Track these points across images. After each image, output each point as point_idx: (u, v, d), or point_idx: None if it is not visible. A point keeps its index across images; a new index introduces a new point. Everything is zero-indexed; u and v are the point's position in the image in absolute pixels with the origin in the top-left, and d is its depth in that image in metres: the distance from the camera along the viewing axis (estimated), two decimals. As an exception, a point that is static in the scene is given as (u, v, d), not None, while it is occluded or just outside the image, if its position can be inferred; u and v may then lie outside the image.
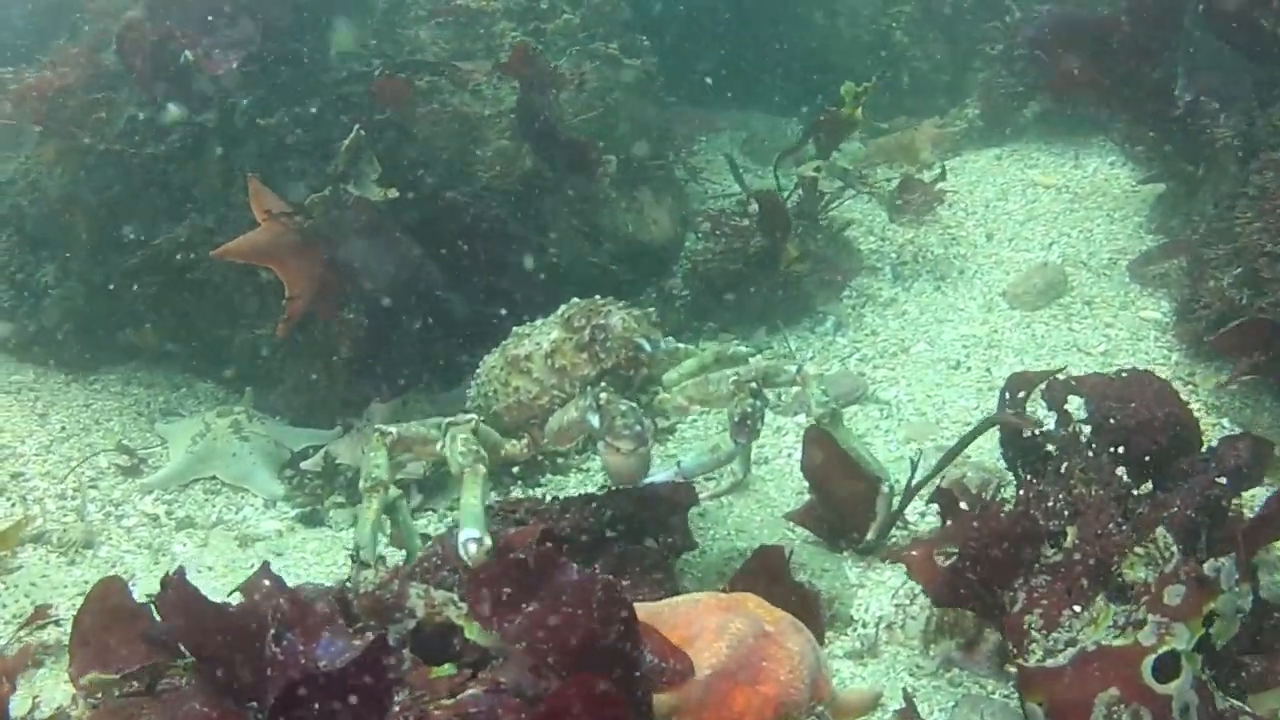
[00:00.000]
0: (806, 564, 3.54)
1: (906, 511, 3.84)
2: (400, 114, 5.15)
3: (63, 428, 4.96)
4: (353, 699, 2.11)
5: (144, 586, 3.31)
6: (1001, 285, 5.28)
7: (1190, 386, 4.46)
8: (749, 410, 3.40)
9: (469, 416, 3.41)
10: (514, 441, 3.56)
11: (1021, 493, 3.13)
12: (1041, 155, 6.32)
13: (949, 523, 3.29)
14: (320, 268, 4.94)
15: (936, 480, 3.75)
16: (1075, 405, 3.24)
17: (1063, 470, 3.14)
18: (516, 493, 4.45)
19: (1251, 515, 2.96)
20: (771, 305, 5.60)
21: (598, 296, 3.65)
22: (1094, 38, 5.49)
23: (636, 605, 2.64)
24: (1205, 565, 2.59)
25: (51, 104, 5.22)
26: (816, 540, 3.79)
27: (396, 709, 2.11)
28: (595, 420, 3.24)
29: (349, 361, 5.23)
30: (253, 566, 4.04)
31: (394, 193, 4.92)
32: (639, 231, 6.06)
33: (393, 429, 3.51)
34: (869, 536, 3.74)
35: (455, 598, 2.38)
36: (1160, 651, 2.60)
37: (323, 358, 5.26)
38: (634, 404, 3.29)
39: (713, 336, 5.61)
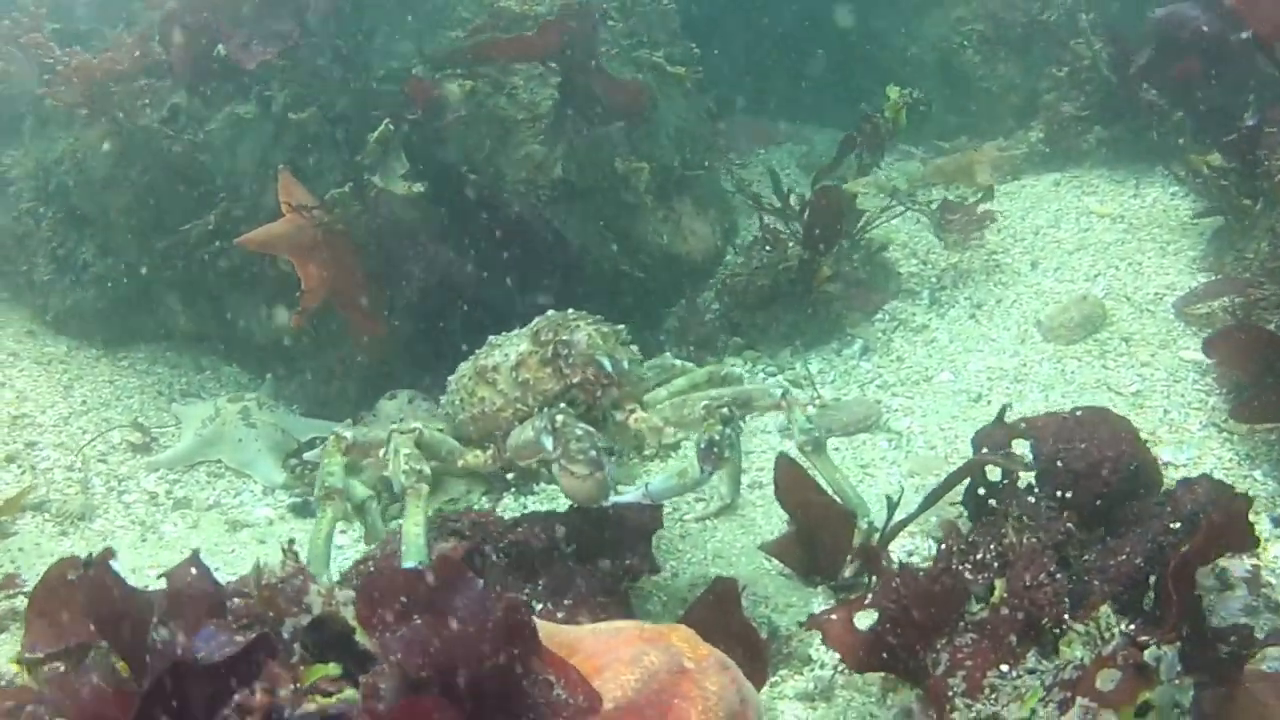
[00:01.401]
0: (771, 597, 3.42)
1: (892, 552, 3.67)
2: (430, 114, 5.14)
3: (84, 401, 5.06)
4: (223, 693, 2.08)
5: (125, 562, 3.36)
6: (1038, 316, 5.05)
7: (1225, 434, 4.20)
8: (716, 438, 3.29)
9: (414, 425, 3.34)
10: (477, 452, 3.49)
11: (944, 547, 2.93)
12: (1102, 182, 6.05)
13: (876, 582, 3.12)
14: (338, 262, 4.97)
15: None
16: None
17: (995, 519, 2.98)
18: (507, 500, 4.39)
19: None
20: (800, 325, 5.46)
21: (570, 311, 3.57)
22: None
23: (556, 629, 2.56)
24: (1146, 652, 2.38)
25: (99, 88, 5.34)
26: (790, 574, 3.64)
27: (257, 698, 2.06)
28: (549, 443, 3.16)
29: (368, 355, 5.28)
30: (234, 552, 4.10)
31: (419, 187, 4.94)
32: (674, 243, 5.96)
33: (348, 433, 3.48)
34: (845, 574, 3.60)
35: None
36: (1082, 743, 2.43)
37: (342, 351, 5.31)
38: (589, 429, 3.19)
39: (738, 354, 5.49)
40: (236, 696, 2.02)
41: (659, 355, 4.03)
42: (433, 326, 5.20)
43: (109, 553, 2.45)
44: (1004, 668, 2.55)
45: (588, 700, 2.33)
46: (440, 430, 3.48)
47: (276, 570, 2.34)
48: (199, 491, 4.59)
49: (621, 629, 2.68)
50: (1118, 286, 5.12)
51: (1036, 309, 5.12)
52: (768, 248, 5.55)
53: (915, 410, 4.67)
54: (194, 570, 2.50)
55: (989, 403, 4.56)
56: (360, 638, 2.21)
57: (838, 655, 3.20)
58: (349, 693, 2.13)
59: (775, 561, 3.70)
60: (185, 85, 5.27)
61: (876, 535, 3.58)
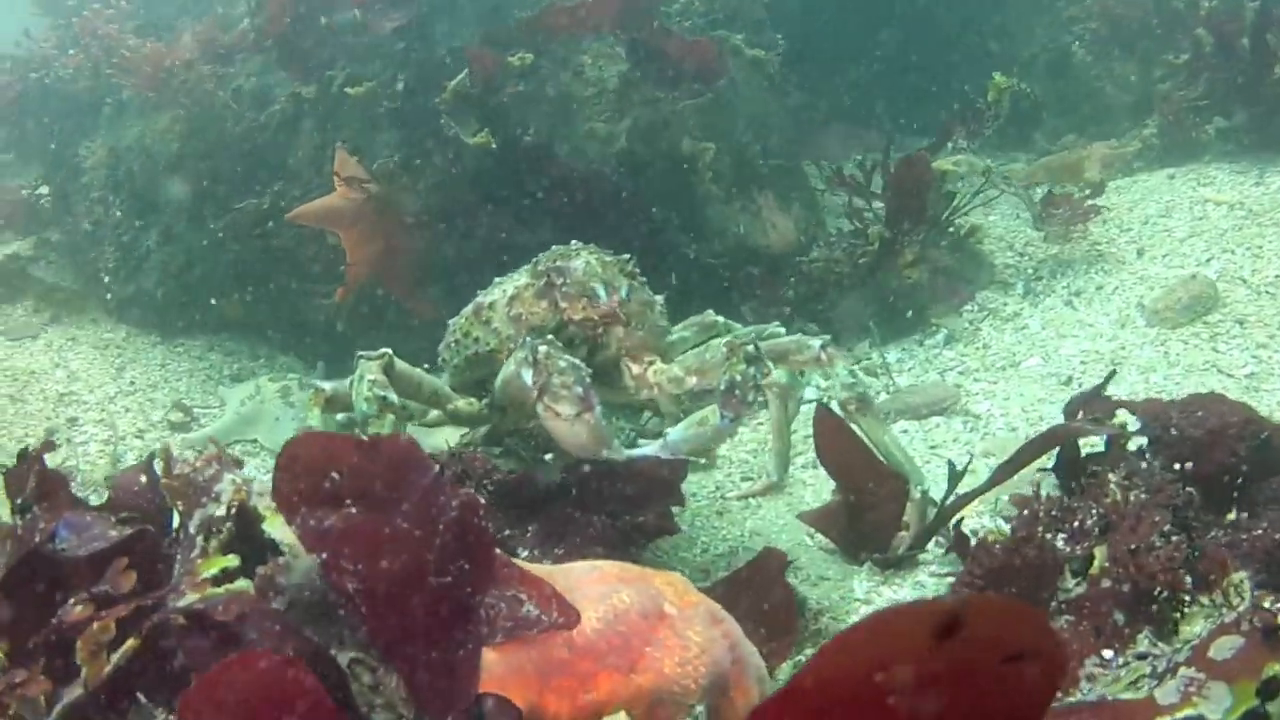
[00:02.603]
0: (804, 569, 3.00)
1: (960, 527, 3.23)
2: (490, 87, 4.95)
3: (132, 382, 4.97)
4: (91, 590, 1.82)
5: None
6: (1141, 301, 4.55)
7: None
8: (738, 378, 2.82)
9: (383, 351, 2.98)
10: (471, 400, 3.15)
11: (1025, 511, 2.46)
12: (1220, 173, 5.52)
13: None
14: (386, 237, 4.79)
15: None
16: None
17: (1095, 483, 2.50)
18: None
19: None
20: (881, 314, 5.05)
21: (574, 242, 3.20)
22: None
23: (529, 565, 2.22)
24: (1280, 614, 1.88)
25: (166, 76, 5.33)
26: (834, 549, 3.22)
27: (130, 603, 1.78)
28: (529, 376, 2.70)
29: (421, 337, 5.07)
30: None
31: (493, 142, 4.75)
32: (753, 233, 5.61)
33: (327, 385, 3.11)
34: (899, 549, 3.16)
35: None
36: (1178, 716, 1.94)
37: (394, 332, 5.11)
38: (577, 362, 2.75)
39: (813, 345, 5.10)
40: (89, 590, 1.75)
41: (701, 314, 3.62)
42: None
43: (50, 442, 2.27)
44: (1107, 653, 2.09)
45: (563, 617, 2.00)
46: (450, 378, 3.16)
47: (190, 459, 2.08)
48: (230, 468, 4.39)
49: (600, 567, 2.32)
50: (1233, 269, 4.59)
51: (1140, 294, 4.62)
52: (848, 231, 5.18)
53: (997, 394, 4.22)
54: (143, 476, 2.29)
55: (1080, 385, 4.08)
56: (269, 527, 1.93)
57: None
58: (241, 583, 1.85)
59: (819, 537, 3.29)
60: (275, 58, 5.20)
61: (932, 508, 3.15)
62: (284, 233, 5.11)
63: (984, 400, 4.20)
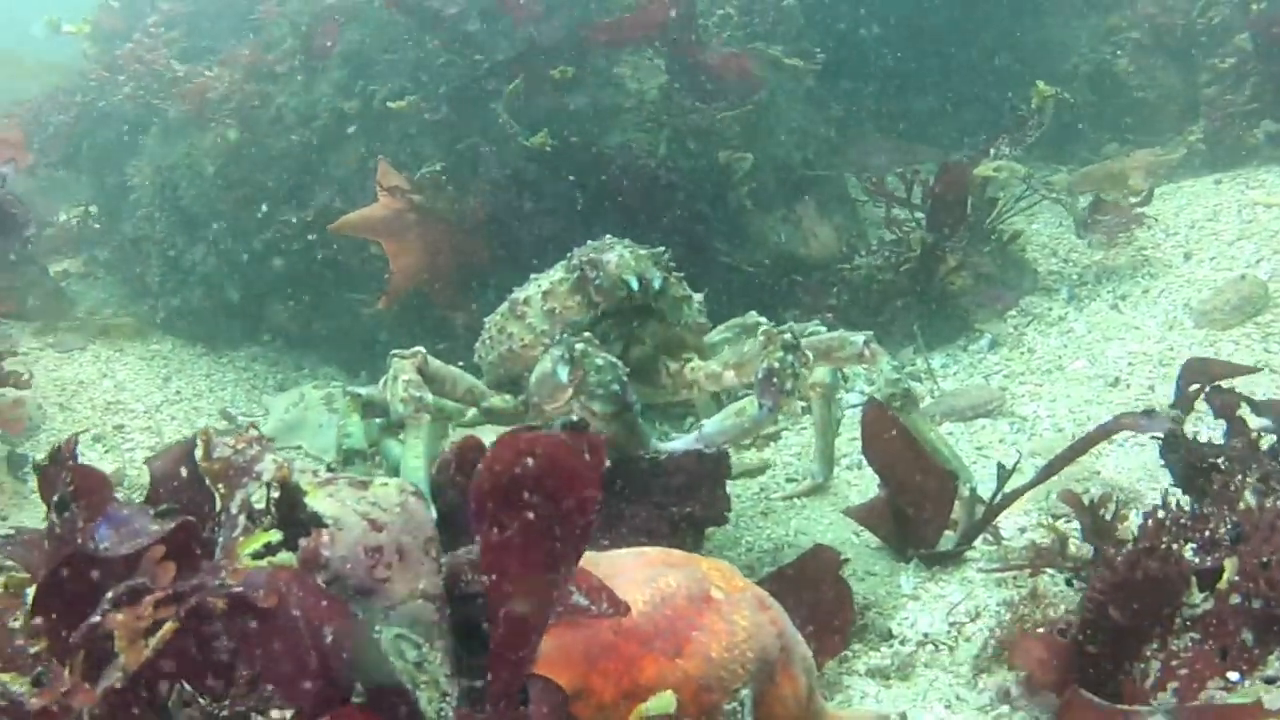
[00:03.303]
0: (850, 563, 2.96)
1: (1004, 524, 3.19)
2: (534, 95, 4.98)
3: (178, 392, 5.02)
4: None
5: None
6: (1189, 303, 4.48)
7: None
8: (775, 365, 2.80)
9: (416, 349, 2.98)
10: (506, 396, 3.13)
11: (1149, 521, 2.31)
12: (1270, 176, 5.44)
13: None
14: (429, 245, 4.82)
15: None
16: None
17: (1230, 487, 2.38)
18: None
19: None
20: (924, 321, 5.01)
21: (608, 237, 3.17)
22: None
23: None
24: None
25: (213, 96, 5.43)
26: (880, 546, 3.18)
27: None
28: (564, 374, 2.67)
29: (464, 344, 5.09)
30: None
31: (550, 142, 4.78)
32: (793, 242, 5.60)
33: (362, 390, 3.17)
34: (947, 545, 3.12)
35: (319, 468, 2.05)
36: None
37: (437, 340, 5.12)
38: (613, 360, 2.72)
39: (858, 353, 5.05)
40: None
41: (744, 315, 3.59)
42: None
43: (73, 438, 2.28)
44: (1233, 675, 2.02)
45: (613, 607, 1.98)
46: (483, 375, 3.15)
47: (230, 443, 2.09)
48: (272, 474, 4.42)
49: (645, 552, 2.31)
50: (1285, 270, 4.52)
51: (1187, 296, 4.56)
52: (890, 239, 5.16)
53: (1043, 396, 4.17)
54: (181, 468, 2.29)
55: (1127, 386, 4.03)
56: (311, 500, 1.93)
57: (924, 629, 2.77)
58: (284, 555, 1.85)
59: (865, 534, 3.26)
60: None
61: (980, 505, 3.11)
62: (328, 244, 5.15)
63: (1030, 402, 4.15)
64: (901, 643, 2.75)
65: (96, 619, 1.75)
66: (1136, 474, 3.44)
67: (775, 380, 2.80)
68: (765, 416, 2.83)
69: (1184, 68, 6.69)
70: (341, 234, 4.93)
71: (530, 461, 1.77)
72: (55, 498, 1.93)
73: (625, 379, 2.71)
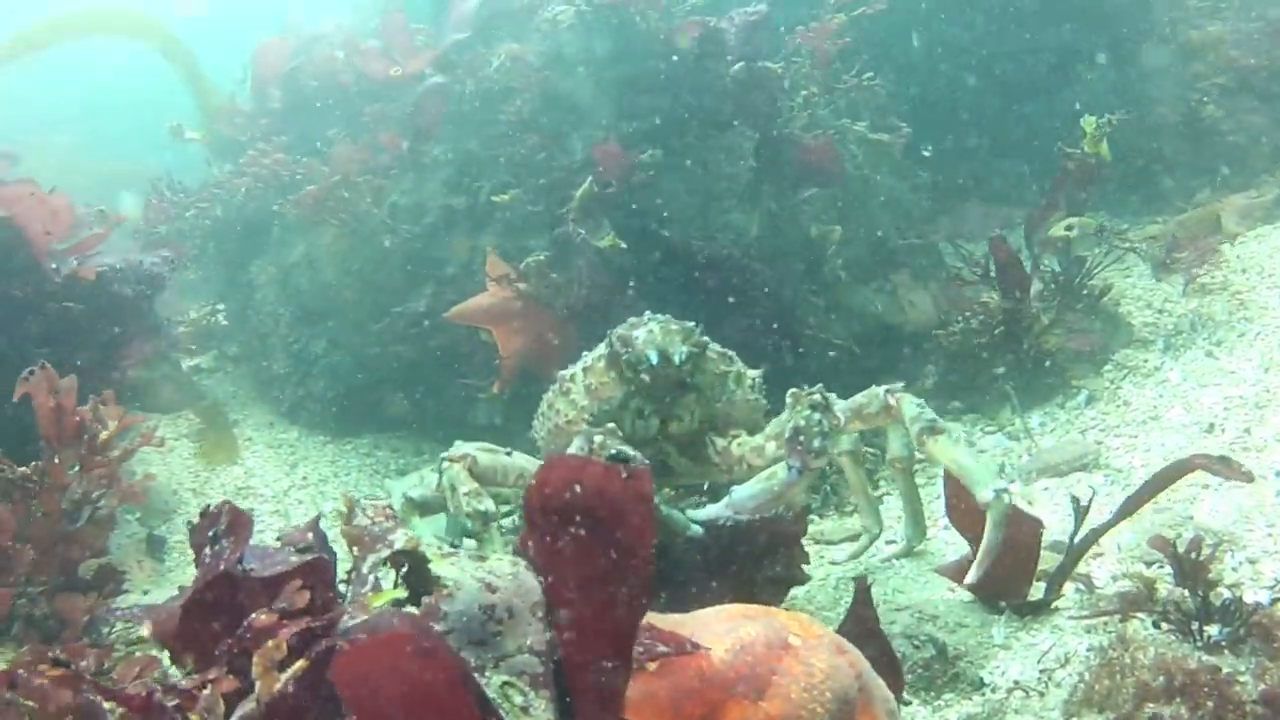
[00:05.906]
0: (940, 616, 3.06)
1: (1097, 572, 3.25)
2: (622, 182, 5.23)
3: (304, 477, 5.31)
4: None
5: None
6: (1288, 346, 4.49)
7: None
8: (803, 424, 2.86)
9: (463, 452, 3.01)
10: None
11: None
12: (1365, 215, 5.41)
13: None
14: (533, 330, 5.07)
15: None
16: None
17: None
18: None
19: None
20: (1021, 381, 5.07)
21: (647, 313, 3.29)
22: None
23: (655, 617, 2.34)
24: None
25: (328, 195, 5.80)
26: (973, 600, 3.26)
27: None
28: None
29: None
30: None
31: (621, 243, 5.01)
32: (890, 312, 5.74)
33: (415, 494, 3.28)
34: (1038, 595, 3.19)
35: (446, 545, 2.25)
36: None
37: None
38: (629, 450, 2.70)
39: (957, 418, 5.14)
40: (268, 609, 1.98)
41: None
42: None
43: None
44: None
45: (680, 648, 2.15)
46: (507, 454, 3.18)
47: (369, 513, 2.32)
48: (394, 552, 4.67)
49: (725, 609, 2.45)
50: (1388, 308, 4.49)
51: (1285, 339, 4.56)
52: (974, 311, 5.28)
53: (1138, 447, 4.21)
54: (309, 534, 2.54)
55: (1223, 431, 4.05)
56: (435, 567, 2.14)
57: (1014, 676, 2.86)
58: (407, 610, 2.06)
59: (961, 591, 3.34)
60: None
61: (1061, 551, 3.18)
62: (443, 331, 5.44)
63: (1125, 454, 4.19)
64: (993, 690, 2.84)
65: (242, 629, 2.00)
66: (1231, 517, 3.47)
67: (802, 439, 2.87)
68: (795, 479, 2.88)
69: (1272, 108, 6.68)
70: (454, 323, 5.20)
71: (579, 488, 1.94)
72: (210, 531, 2.18)
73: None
